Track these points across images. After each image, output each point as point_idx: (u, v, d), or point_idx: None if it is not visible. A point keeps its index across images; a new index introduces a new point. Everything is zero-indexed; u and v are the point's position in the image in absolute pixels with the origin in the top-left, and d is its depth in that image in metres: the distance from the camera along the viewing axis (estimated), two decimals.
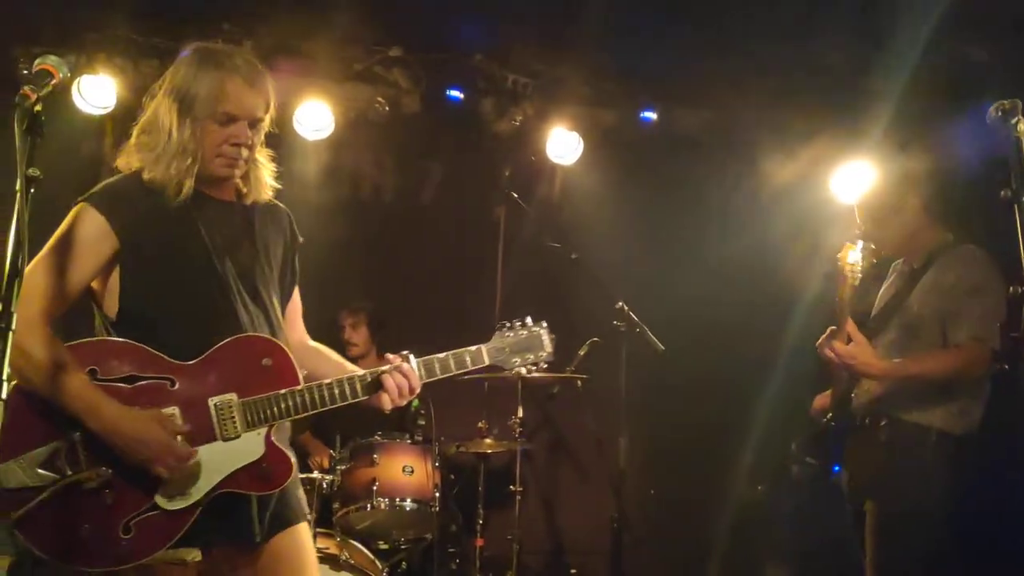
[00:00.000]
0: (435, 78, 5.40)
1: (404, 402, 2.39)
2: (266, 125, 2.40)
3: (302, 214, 5.42)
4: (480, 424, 4.77)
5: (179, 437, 2.18)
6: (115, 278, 2.28)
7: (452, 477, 4.88)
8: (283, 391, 2.24)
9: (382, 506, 4.22)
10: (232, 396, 2.22)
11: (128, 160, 2.36)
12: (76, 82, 4.81)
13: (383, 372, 2.34)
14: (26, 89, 1.97)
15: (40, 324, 2.17)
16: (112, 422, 2.12)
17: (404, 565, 4.57)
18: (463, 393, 4.66)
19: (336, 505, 4.24)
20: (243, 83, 2.31)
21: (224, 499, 2.21)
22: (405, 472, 4.31)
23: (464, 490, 4.98)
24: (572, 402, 5.25)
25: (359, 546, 4.03)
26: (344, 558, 3.72)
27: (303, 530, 2.41)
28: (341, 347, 5.12)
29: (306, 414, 2.28)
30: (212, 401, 2.21)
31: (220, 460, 2.19)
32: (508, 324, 2.52)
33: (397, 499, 4.25)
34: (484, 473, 4.74)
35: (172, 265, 2.30)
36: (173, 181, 2.29)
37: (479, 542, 4.65)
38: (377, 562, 4.00)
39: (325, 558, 3.71)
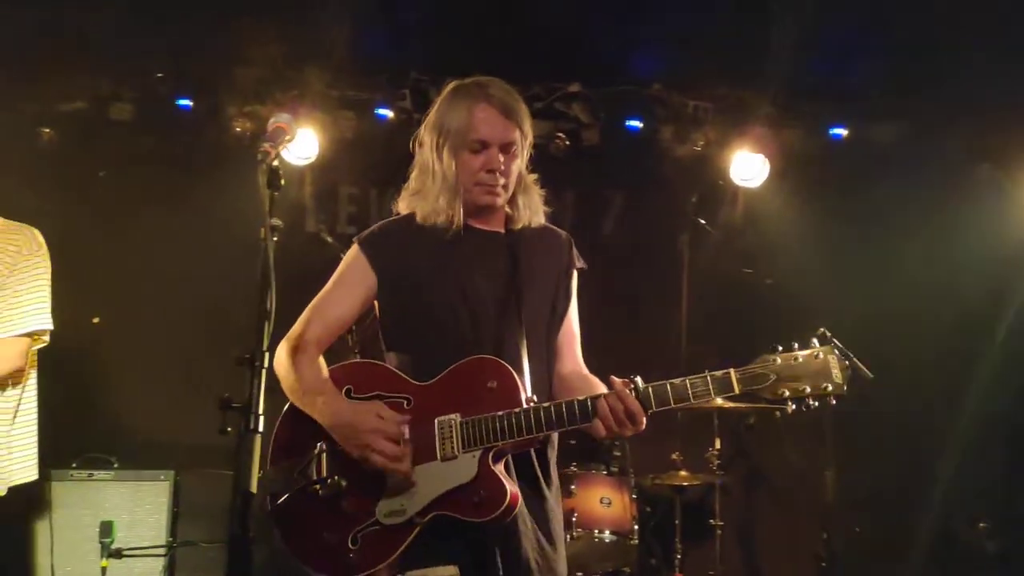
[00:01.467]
0: (613, 110, 5.45)
1: (625, 432, 2.19)
2: (524, 149, 2.42)
3: None
4: (674, 456, 4.68)
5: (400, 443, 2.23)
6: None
7: (648, 509, 4.79)
8: (500, 412, 2.19)
9: (581, 537, 4.19)
10: (455, 416, 2.23)
11: (407, 202, 2.46)
12: None
13: (600, 397, 2.18)
14: (266, 146, 2.11)
15: (307, 348, 2.37)
16: (333, 412, 2.27)
17: None
18: (655, 423, 4.56)
19: None
20: (491, 109, 2.34)
21: (452, 525, 2.18)
22: (603, 504, 4.27)
23: (660, 523, 4.88)
24: (770, 433, 5.05)
25: None
26: None
27: None
28: None
29: (521, 438, 2.17)
30: (437, 420, 2.24)
31: (435, 479, 2.20)
32: (781, 347, 2.12)
33: (596, 530, 4.22)
34: (680, 506, 4.64)
35: (424, 297, 2.37)
36: (442, 215, 2.37)
37: None
38: None
39: None
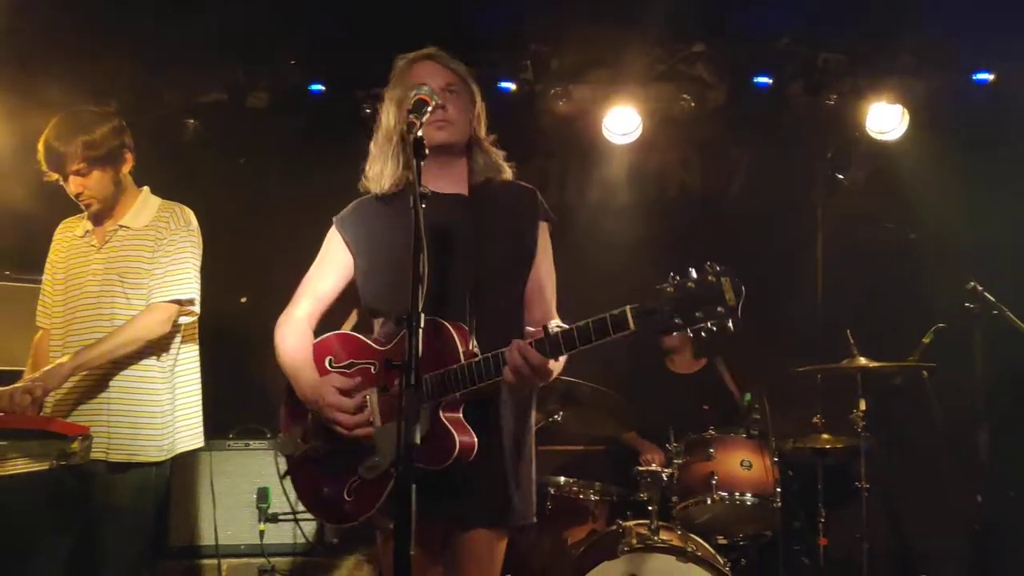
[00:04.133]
0: (740, 67, 5.31)
1: (533, 381, 2.26)
2: (470, 101, 2.56)
3: (609, 217, 5.60)
4: (815, 419, 4.58)
5: (370, 411, 2.42)
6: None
7: (790, 473, 4.71)
8: (441, 370, 2.32)
9: (722, 500, 4.16)
10: None
11: (365, 181, 2.63)
12: None
13: (505, 350, 2.27)
14: (411, 117, 2.24)
15: (296, 320, 2.60)
16: (303, 390, 2.50)
17: (743, 561, 4.47)
18: (795, 386, 4.50)
19: (675, 499, 4.25)
20: (430, 63, 2.57)
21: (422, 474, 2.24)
22: (743, 466, 4.22)
23: (802, 486, 4.79)
24: (917, 394, 4.86)
25: (700, 540, 4.00)
26: (690, 550, 3.71)
27: (479, 537, 2.48)
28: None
29: (461, 391, 2.29)
30: (396, 381, 2.34)
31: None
32: (676, 276, 2.09)
33: (736, 493, 4.17)
34: (823, 469, 4.54)
35: (387, 266, 2.52)
36: (389, 178, 2.54)
37: (823, 541, 4.45)
38: (719, 556, 3.95)
39: (669, 550, 3.73)
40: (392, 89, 2.59)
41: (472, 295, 2.44)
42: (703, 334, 2.07)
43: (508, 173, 2.61)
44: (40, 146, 3.23)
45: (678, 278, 2.07)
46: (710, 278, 2.03)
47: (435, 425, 2.31)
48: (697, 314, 2.04)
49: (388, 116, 2.55)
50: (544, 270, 2.61)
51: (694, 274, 2.06)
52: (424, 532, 2.37)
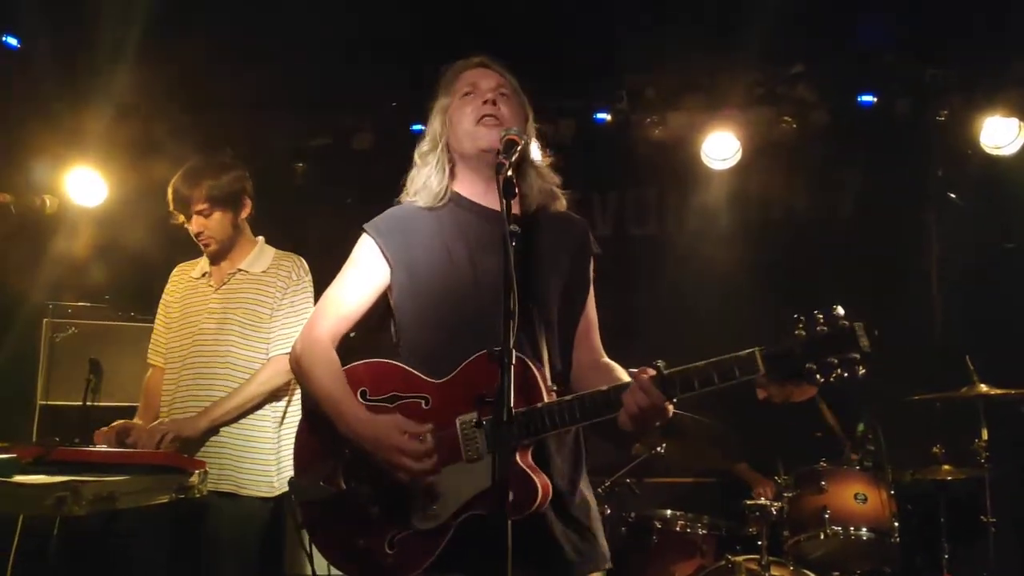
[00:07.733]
0: (842, 86, 5.18)
1: (651, 423, 2.05)
2: (524, 109, 2.41)
3: (710, 243, 5.51)
4: (935, 449, 4.36)
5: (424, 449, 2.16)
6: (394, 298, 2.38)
7: (909, 507, 4.49)
8: (523, 409, 2.06)
9: (835, 535, 4.01)
10: (475, 415, 2.14)
11: (406, 190, 2.45)
12: None
13: (623, 389, 2.06)
14: (501, 158, 2.19)
15: (321, 343, 2.31)
16: (353, 426, 2.19)
17: None
18: (912, 414, 4.31)
19: (786, 533, 4.12)
20: (480, 68, 2.42)
21: (484, 525, 2.03)
22: (857, 500, 4.06)
23: (922, 521, 4.56)
24: None
25: None
26: None
27: None
28: None
29: (545, 434, 2.11)
30: (458, 420, 2.15)
31: (464, 482, 2.12)
32: (802, 319, 1.93)
33: (852, 528, 4.01)
34: (944, 503, 4.32)
35: (436, 284, 2.30)
36: (430, 191, 2.35)
37: None
38: None
39: None
40: (440, 98, 2.43)
41: (522, 327, 2.15)
42: (831, 380, 1.93)
43: (563, 202, 2.43)
44: (169, 189, 3.45)
45: (804, 320, 1.93)
46: (842, 322, 1.91)
47: (512, 471, 2.02)
48: (831, 360, 1.90)
49: (435, 123, 2.40)
50: (592, 308, 2.46)
51: (822, 317, 1.92)
52: None
